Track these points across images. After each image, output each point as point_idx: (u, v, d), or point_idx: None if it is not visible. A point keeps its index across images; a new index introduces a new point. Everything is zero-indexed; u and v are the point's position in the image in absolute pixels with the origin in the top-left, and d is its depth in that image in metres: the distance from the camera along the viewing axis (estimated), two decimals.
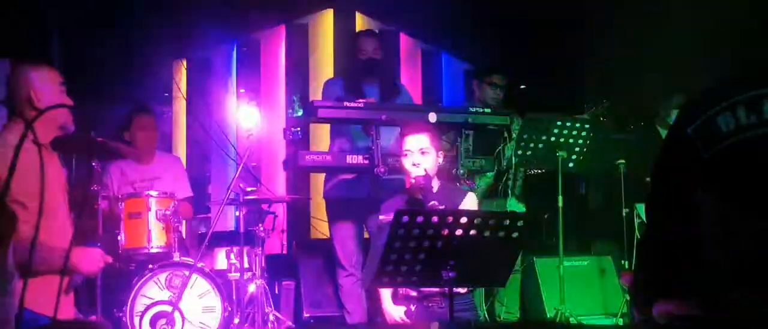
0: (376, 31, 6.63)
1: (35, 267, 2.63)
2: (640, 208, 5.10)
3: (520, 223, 2.79)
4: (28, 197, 2.61)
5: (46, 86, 2.82)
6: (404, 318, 3.51)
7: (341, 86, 4.63)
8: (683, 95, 5.30)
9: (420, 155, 3.53)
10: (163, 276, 4.16)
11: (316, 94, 5.55)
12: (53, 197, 2.80)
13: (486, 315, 4.99)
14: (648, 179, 1.69)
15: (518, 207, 4.99)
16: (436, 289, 3.43)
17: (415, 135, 3.58)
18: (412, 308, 3.50)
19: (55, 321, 2.50)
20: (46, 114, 2.73)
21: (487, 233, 2.73)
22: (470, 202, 3.64)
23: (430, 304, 3.49)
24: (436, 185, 3.61)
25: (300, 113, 4.04)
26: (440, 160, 3.66)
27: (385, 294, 3.61)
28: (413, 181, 3.52)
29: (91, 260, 2.86)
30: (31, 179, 2.59)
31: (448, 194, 3.61)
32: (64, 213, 2.89)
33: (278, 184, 6.43)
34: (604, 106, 4.81)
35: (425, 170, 3.50)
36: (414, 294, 3.50)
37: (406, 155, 3.57)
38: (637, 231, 5.00)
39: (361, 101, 4.12)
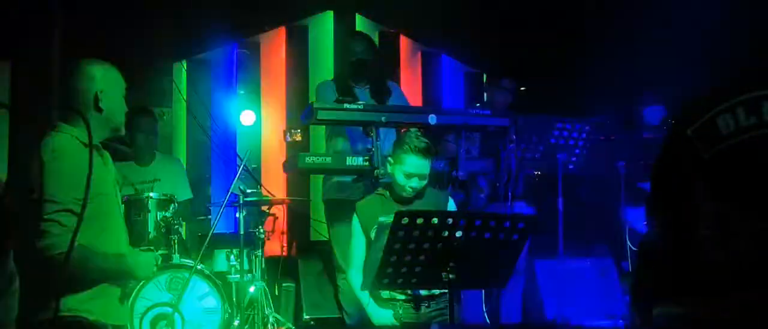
0: (376, 33, 6.65)
1: (90, 276, 2.60)
2: (634, 214, 5.10)
3: (520, 225, 2.79)
4: (78, 203, 2.50)
5: (111, 88, 2.72)
6: (394, 321, 3.49)
7: (333, 88, 4.65)
8: (656, 95, 5.33)
9: (419, 180, 3.52)
10: (163, 278, 4.15)
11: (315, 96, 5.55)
12: (108, 201, 2.70)
13: (486, 317, 4.99)
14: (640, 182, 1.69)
15: (527, 209, 5.00)
16: (424, 291, 3.42)
17: (423, 159, 3.49)
18: (400, 311, 3.48)
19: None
20: (104, 114, 2.68)
21: (487, 235, 2.73)
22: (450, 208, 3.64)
23: (416, 305, 3.47)
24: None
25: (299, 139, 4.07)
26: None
27: (367, 298, 3.57)
28: (405, 195, 3.53)
29: (146, 265, 2.79)
30: (82, 184, 2.52)
31: (431, 200, 3.60)
32: (118, 217, 2.80)
33: (278, 186, 6.43)
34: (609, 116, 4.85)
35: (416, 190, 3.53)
36: (401, 297, 3.48)
37: (408, 176, 3.51)
38: (627, 237, 5.00)
39: (361, 103, 4.13)
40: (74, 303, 2.58)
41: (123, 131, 2.83)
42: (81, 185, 2.43)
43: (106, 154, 2.82)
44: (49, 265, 2.47)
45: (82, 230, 2.42)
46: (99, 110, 2.67)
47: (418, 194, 3.57)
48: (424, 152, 3.47)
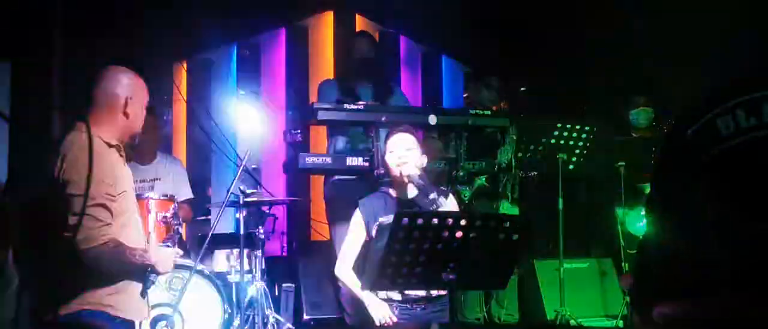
0: (376, 33, 6.65)
1: (120, 270, 2.66)
2: (628, 216, 5.10)
3: (520, 225, 2.79)
4: (110, 199, 2.62)
5: (138, 95, 2.87)
6: (393, 316, 3.48)
7: (336, 87, 4.65)
8: (647, 99, 5.34)
9: (405, 152, 3.54)
10: (163, 278, 4.15)
11: (316, 96, 5.57)
12: (129, 198, 2.79)
13: (486, 317, 5.00)
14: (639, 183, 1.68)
15: (511, 210, 4.99)
16: (421, 293, 3.42)
17: (401, 135, 3.60)
18: (396, 311, 3.47)
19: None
20: (129, 120, 2.81)
21: (487, 236, 2.73)
22: (449, 203, 3.62)
23: (412, 307, 3.47)
24: (413, 190, 3.59)
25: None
26: (424, 162, 3.65)
27: (367, 295, 3.56)
28: (405, 180, 3.51)
29: (166, 260, 2.86)
30: (109, 180, 2.61)
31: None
32: (136, 214, 2.89)
33: (278, 186, 6.43)
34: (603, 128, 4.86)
35: (416, 167, 3.52)
36: (397, 297, 3.48)
37: (391, 152, 3.58)
38: (621, 238, 5.00)
39: (361, 103, 4.13)
40: (97, 297, 2.62)
41: (137, 139, 2.95)
42: (109, 182, 2.58)
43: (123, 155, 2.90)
44: (81, 258, 2.50)
45: (111, 225, 2.56)
46: (126, 114, 2.82)
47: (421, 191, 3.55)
48: (402, 129, 3.62)
